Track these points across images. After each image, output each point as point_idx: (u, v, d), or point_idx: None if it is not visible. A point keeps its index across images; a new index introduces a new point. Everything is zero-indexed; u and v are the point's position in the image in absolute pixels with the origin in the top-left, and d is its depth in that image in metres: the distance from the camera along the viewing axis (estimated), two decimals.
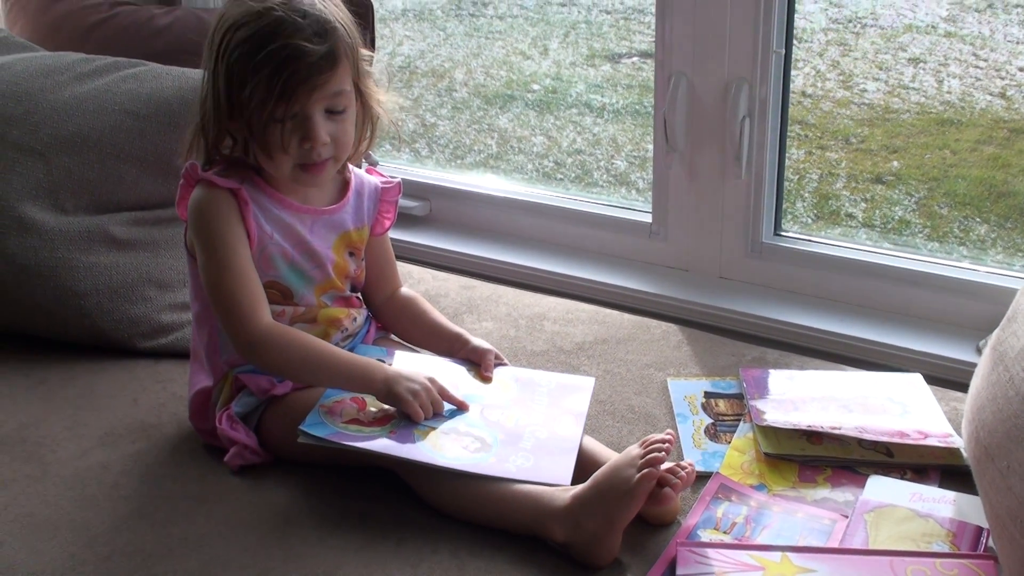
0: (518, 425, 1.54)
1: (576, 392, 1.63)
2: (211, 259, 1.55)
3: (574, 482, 1.43)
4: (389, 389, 1.52)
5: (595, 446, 1.54)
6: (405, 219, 2.39)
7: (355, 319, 1.70)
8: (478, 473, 1.43)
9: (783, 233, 2.11)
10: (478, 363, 1.68)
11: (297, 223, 1.61)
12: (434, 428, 1.51)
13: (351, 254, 1.69)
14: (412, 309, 1.77)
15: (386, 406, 1.54)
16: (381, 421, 1.52)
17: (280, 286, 1.61)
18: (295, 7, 1.49)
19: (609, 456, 1.49)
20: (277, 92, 1.48)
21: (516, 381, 1.66)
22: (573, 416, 1.57)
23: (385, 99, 1.64)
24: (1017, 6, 2.41)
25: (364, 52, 1.58)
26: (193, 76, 2.03)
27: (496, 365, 1.68)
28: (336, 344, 1.66)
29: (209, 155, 1.59)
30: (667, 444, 1.37)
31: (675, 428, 1.65)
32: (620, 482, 1.34)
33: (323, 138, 1.53)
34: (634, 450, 1.37)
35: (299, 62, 1.47)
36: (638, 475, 1.33)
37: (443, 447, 1.47)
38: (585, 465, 1.48)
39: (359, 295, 1.75)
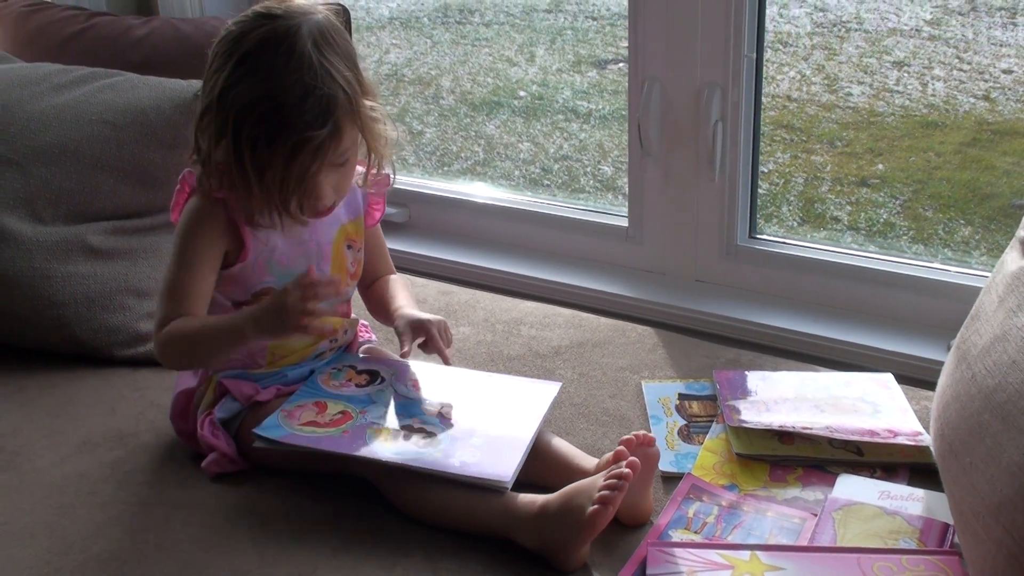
0: (473, 422, 1.55)
1: (539, 396, 1.63)
2: (174, 265, 1.58)
3: (545, 483, 1.45)
4: (256, 325, 1.50)
5: (568, 449, 1.54)
6: (384, 225, 2.38)
7: (347, 331, 1.72)
8: (419, 467, 1.44)
9: (758, 236, 2.12)
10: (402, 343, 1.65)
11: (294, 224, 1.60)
12: (387, 428, 1.53)
13: (349, 247, 1.70)
14: (380, 292, 1.79)
15: (347, 408, 1.56)
16: (337, 422, 1.54)
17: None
18: (301, 81, 1.44)
19: (581, 461, 1.50)
20: (293, 178, 1.48)
21: (480, 383, 1.68)
22: (531, 417, 1.56)
23: (391, 135, 1.60)
24: (1000, 9, 2.41)
25: (367, 102, 1.52)
26: (171, 86, 2.04)
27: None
28: (323, 352, 1.68)
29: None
30: (625, 479, 1.35)
31: (648, 430, 1.65)
32: (575, 509, 1.35)
33: (328, 196, 1.54)
34: (598, 481, 1.37)
35: (304, 149, 1.46)
36: (591, 509, 1.34)
37: (391, 444, 1.49)
38: (555, 468, 1.50)
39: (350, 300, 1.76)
